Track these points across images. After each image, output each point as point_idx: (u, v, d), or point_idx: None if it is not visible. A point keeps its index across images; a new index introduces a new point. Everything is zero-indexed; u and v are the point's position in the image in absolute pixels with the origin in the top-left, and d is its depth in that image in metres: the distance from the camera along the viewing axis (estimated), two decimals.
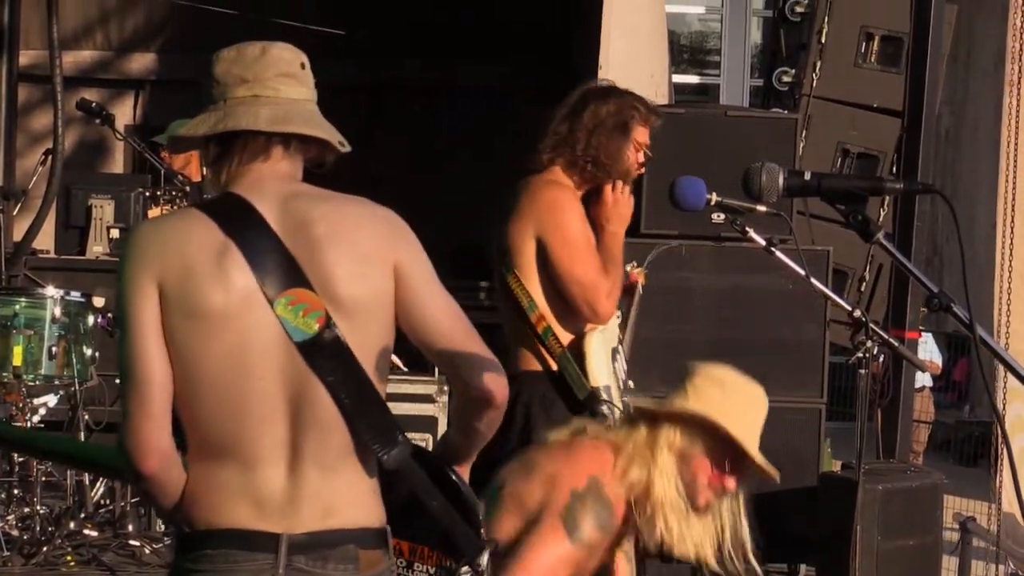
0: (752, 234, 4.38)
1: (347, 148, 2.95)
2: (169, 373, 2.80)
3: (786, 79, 8.61)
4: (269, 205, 2.87)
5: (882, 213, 7.53)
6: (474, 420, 2.96)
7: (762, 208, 4.27)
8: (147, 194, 8.55)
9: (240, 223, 2.84)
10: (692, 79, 19.37)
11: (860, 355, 4.20)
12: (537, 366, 4.90)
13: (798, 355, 6.67)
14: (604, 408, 4.81)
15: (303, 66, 2.95)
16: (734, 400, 3.74)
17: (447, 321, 2.91)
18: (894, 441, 6.78)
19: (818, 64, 7.86)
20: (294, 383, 2.82)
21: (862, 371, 4.30)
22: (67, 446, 3.54)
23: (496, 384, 2.92)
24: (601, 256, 4.88)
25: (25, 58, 9.98)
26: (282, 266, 2.82)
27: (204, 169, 7.29)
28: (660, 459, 3.73)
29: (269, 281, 2.80)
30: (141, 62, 11.23)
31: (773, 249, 4.49)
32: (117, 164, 11.09)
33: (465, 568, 3.03)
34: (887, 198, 7.41)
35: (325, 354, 2.79)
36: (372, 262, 2.86)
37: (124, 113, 10.98)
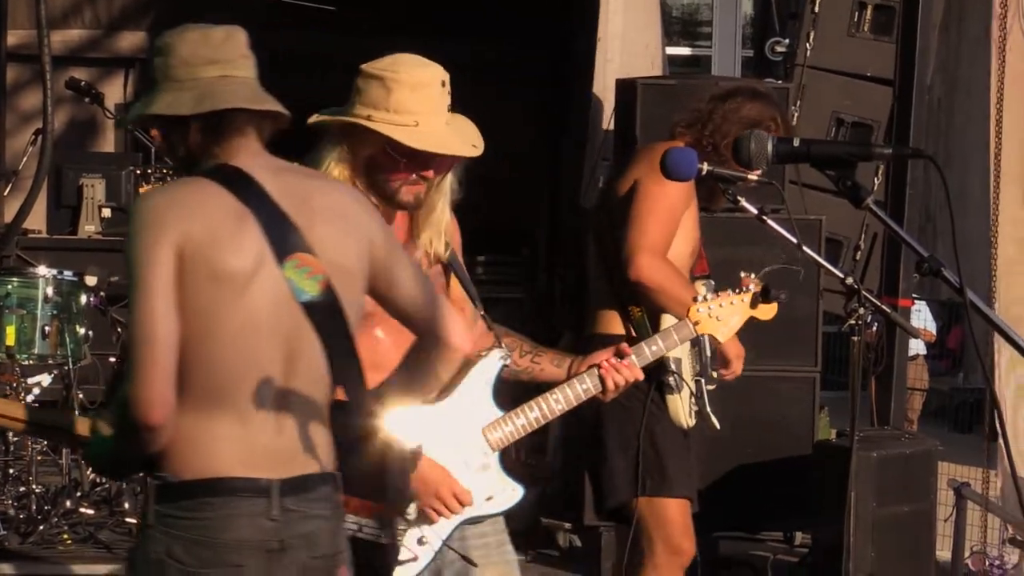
0: (744, 203, 4.36)
1: (288, 121, 3.17)
2: (177, 331, 2.97)
3: (779, 49, 8.57)
4: (263, 176, 3.09)
5: (876, 183, 7.51)
6: (442, 370, 3.37)
7: (754, 176, 4.26)
8: (138, 172, 8.55)
9: (247, 191, 3.05)
10: (684, 51, 19.32)
11: (853, 323, 4.19)
12: (617, 329, 4.90)
13: (792, 325, 6.65)
14: (671, 379, 4.83)
15: (249, 46, 3.18)
16: (398, 90, 3.62)
17: (418, 287, 3.25)
18: (888, 409, 6.76)
19: (811, 34, 7.82)
20: (292, 340, 3.06)
21: (855, 339, 4.29)
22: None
23: (465, 338, 3.34)
24: (676, 271, 4.85)
25: (13, 37, 9.92)
26: (287, 232, 3.05)
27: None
28: (333, 175, 3.60)
29: (278, 244, 3.03)
30: (131, 40, 11.14)
31: (765, 218, 4.47)
32: (108, 143, 11.03)
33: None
34: (880, 168, 7.38)
35: (324, 314, 3.05)
36: (356, 236, 3.14)
37: (114, 92, 10.90)
